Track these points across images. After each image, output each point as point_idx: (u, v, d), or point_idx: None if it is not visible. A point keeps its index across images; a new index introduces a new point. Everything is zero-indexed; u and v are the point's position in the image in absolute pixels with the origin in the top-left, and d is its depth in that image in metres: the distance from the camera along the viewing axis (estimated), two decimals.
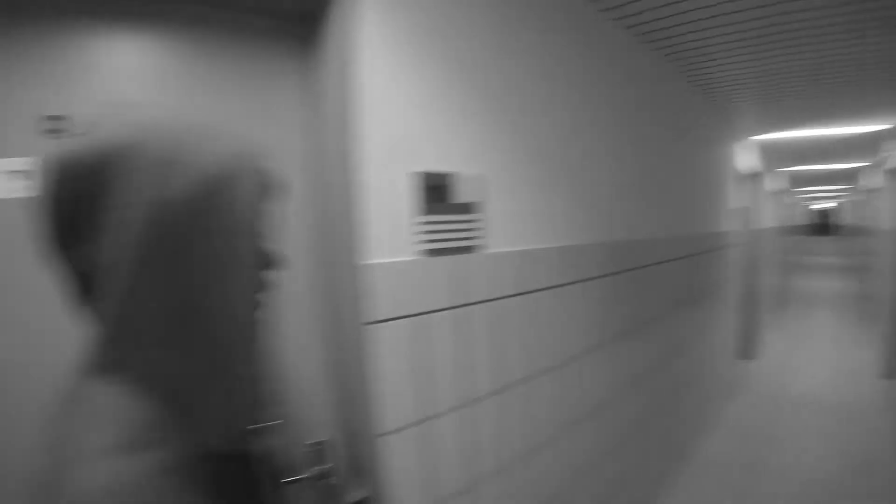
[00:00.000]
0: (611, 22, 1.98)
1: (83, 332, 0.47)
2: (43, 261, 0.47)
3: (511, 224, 1.47)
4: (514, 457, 1.50)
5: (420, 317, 1.20)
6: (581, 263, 1.79)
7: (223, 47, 1.13)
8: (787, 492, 2.66)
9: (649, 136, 2.40)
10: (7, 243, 0.93)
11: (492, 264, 1.39)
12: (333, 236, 1.22)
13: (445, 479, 1.27)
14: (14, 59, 0.92)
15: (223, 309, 0.47)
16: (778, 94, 3.13)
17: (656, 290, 2.48)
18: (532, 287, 1.55)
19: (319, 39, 1.20)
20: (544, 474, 1.63)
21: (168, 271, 0.44)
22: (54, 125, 0.95)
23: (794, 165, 7.22)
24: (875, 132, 4.33)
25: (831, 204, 22.25)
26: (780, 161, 6.58)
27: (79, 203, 0.43)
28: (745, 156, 4.63)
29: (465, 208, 1.31)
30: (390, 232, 1.14)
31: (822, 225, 25.46)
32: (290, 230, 1.21)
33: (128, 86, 1.03)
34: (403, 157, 1.16)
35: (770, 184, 7.16)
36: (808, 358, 5.20)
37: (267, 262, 0.53)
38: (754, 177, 5.43)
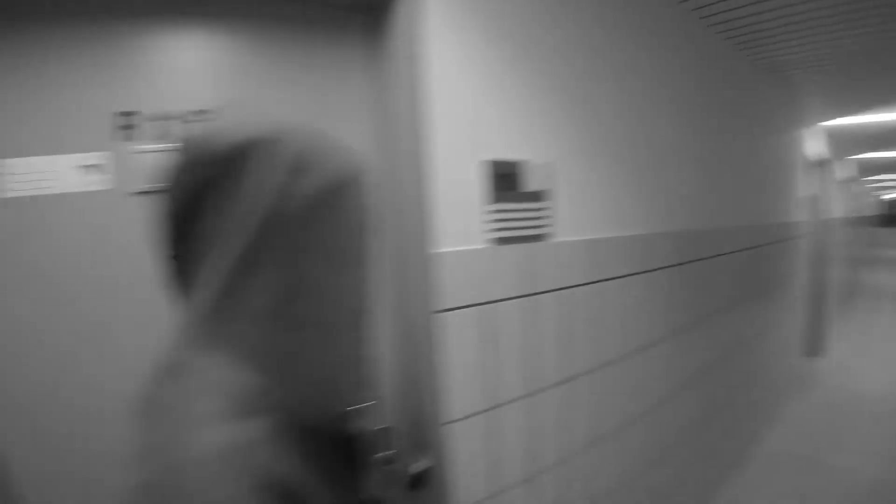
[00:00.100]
0: (678, 6, 1.90)
1: (177, 311, 0.49)
2: (148, 247, 0.49)
3: (579, 212, 1.44)
4: (576, 448, 1.47)
5: (488, 305, 1.19)
6: (647, 253, 1.74)
7: (290, 40, 1.15)
8: (852, 493, 2.52)
9: (716, 124, 2.29)
10: (85, 236, 0.96)
11: (560, 253, 1.37)
12: (403, 225, 1.23)
13: (508, 469, 1.27)
14: (87, 56, 0.95)
15: (337, 296, 0.50)
16: (849, 76, 2.93)
17: (721, 282, 2.38)
18: (599, 277, 1.51)
19: (386, 30, 1.20)
20: (605, 467, 1.60)
21: (286, 255, 0.46)
22: (126, 121, 0.98)
23: (863, 153, 6.78)
24: None
25: None
26: (850, 148, 6.19)
27: (206, 186, 0.46)
28: (813, 143, 4.36)
29: (535, 196, 1.29)
30: (460, 220, 1.14)
31: (893, 216, 23.81)
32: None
33: (197, 81, 1.05)
34: (473, 145, 1.15)
35: (839, 172, 6.73)
36: (876, 355, 4.90)
37: (372, 257, 0.57)
38: (823, 164, 5.11)
